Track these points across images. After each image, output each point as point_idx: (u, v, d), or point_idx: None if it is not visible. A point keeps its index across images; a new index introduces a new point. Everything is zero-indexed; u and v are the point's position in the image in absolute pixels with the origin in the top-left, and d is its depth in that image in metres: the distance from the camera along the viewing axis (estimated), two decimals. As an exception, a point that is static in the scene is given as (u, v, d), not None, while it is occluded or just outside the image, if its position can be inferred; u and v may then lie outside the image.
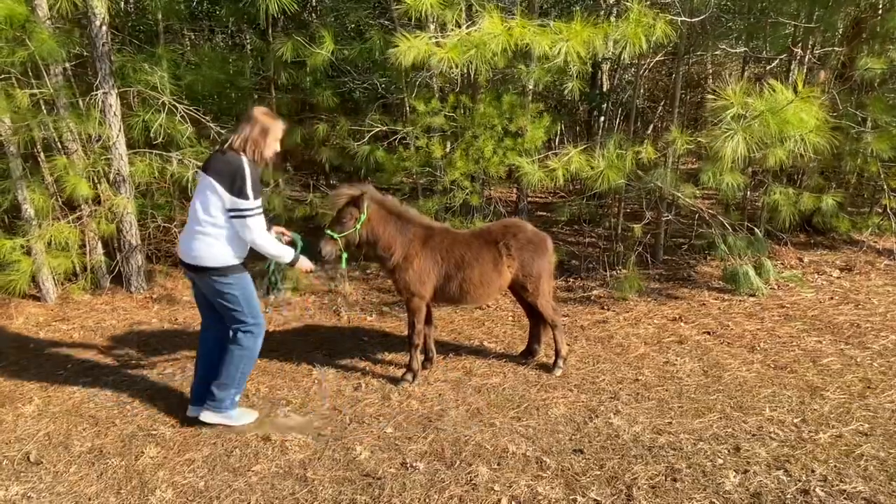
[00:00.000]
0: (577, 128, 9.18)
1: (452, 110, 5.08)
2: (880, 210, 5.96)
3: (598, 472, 2.83)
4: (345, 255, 3.47)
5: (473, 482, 2.78)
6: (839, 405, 3.35)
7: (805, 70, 5.59)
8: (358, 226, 3.40)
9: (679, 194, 5.15)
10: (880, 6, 5.79)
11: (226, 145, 2.98)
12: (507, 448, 3.04)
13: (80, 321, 4.89)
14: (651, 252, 5.94)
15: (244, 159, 2.92)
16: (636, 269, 5.43)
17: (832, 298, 5.06)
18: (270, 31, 5.91)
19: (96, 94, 4.89)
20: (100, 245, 5.42)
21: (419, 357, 3.78)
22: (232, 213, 2.92)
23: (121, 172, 5.15)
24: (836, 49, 5.74)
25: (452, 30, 4.37)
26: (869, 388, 3.53)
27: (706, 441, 3.05)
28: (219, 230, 2.95)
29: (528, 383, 3.73)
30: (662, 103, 8.47)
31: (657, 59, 7.83)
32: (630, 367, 3.91)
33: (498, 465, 2.91)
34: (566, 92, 5.29)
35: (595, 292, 5.36)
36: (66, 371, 4.01)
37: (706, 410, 3.34)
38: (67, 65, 5.12)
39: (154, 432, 3.26)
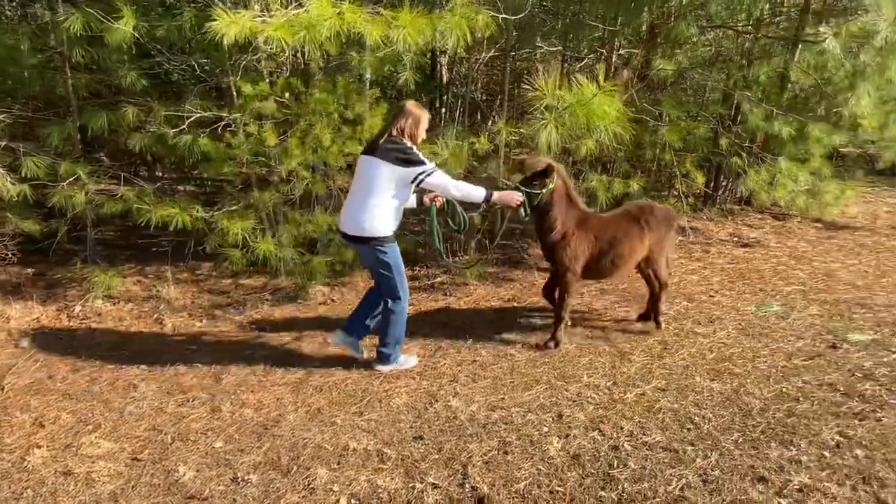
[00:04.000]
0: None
1: (282, 94, 4.80)
2: (675, 193, 6.91)
3: (437, 456, 2.90)
4: (463, 216, 3.84)
5: (311, 486, 2.69)
6: (643, 366, 3.81)
7: (613, 69, 6.23)
8: (544, 190, 3.80)
9: (511, 183, 5.44)
10: (672, 14, 6.64)
11: (386, 134, 3.41)
12: (347, 445, 2.98)
13: None
14: (489, 238, 6.24)
15: (405, 140, 3.40)
16: (477, 256, 5.68)
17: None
18: (61, 1, 5.07)
19: None
20: None
21: (563, 329, 4.10)
22: (420, 179, 3.37)
23: None
24: (636, 51, 6.49)
25: (277, 10, 4.13)
26: (666, 349, 4.07)
27: (534, 412, 3.28)
28: (380, 205, 3.39)
29: (372, 376, 3.70)
30: (499, 97, 8.91)
31: (491, 54, 8.20)
32: (469, 350, 4.07)
33: (338, 464, 2.84)
34: (399, 82, 5.28)
35: (439, 279, 5.50)
36: None
37: (534, 383, 3.60)
38: None
39: None
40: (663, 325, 4.36)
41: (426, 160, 3.40)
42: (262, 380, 3.65)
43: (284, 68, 5.16)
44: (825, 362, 3.85)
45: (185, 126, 4.77)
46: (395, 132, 3.40)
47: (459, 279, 5.42)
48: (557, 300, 4.13)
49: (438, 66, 8.43)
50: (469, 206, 3.91)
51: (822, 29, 5.71)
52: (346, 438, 3.04)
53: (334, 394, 3.49)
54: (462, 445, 2.97)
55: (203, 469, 2.80)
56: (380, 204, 3.40)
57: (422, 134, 3.51)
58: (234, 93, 4.95)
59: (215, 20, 3.77)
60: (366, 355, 3.87)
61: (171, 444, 2.99)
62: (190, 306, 4.81)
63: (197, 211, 4.74)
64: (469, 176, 5.75)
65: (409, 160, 3.35)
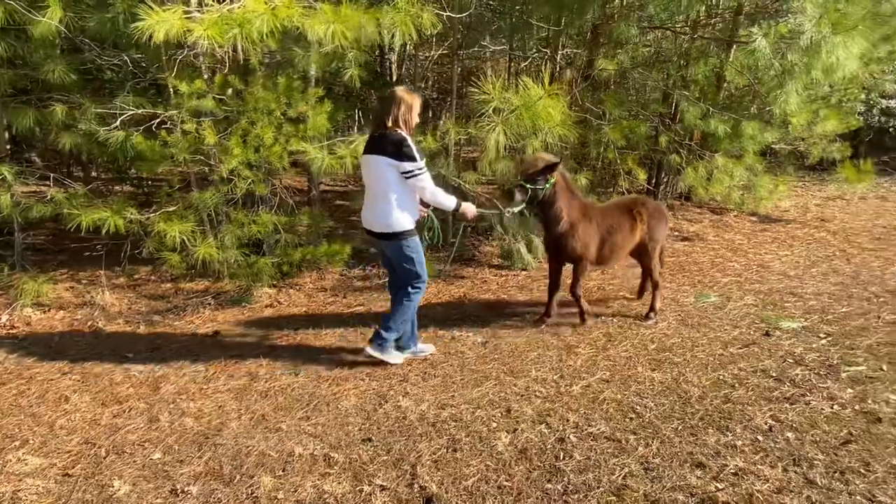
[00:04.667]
0: (371, 116, 9.22)
1: (222, 91, 4.64)
2: (619, 189, 7.09)
3: (386, 457, 2.87)
4: (438, 230, 3.90)
5: (255, 495, 2.61)
6: (588, 359, 3.90)
7: (557, 69, 6.34)
8: (547, 185, 3.94)
9: (460, 181, 5.47)
10: (614, 15, 6.81)
11: (381, 127, 3.42)
12: (293, 451, 2.91)
13: None
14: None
15: (402, 132, 3.40)
16: (429, 253, 5.65)
17: (587, 267, 5.88)
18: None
19: None
20: None
21: (585, 304, 4.36)
22: (408, 175, 3.39)
23: None
24: (579, 51, 6.62)
25: (211, 4, 3.98)
26: (610, 341, 4.18)
27: (483, 408, 3.29)
28: (399, 200, 3.44)
29: (320, 379, 3.63)
30: (449, 96, 8.92)
31: (440, 52, 8.21)
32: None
33: (283, 471, 2.78)
34: (345, 79, 5.20)
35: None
36: None
37: (484, 379, 3.62)
38: None
39: None
40: (653, 322, 4.45)
41: (419, 158, 3.40)
42: (203, 387, 3.53)
43: (224, 64, 4.99)
44: (759, 350, 4.04)
45: (116, 123, 4.55)
46: (389, 123, 3.40)
47: (410, 278, 5.39)
48: (571, 282, 4.31)
49: (388, 63, 8.36)
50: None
51: (753, 30, 5.96)
52: (292, 444, 2.97)
53: (280, 399, 3.41)
54: (411, 445, 2.96)
55: (139, 482, 2.68)
56: (396, 198, 3.44)
57: (415, 119, 3.51)
58: (171, 90, 4.76)
59: (143, 17, 3.61)
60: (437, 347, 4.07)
61: (105, 458, 2.85)
62: (126, 312, 4.60)
63: (131, 213, 4.53)
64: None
65: (404, 154, 3.35)
